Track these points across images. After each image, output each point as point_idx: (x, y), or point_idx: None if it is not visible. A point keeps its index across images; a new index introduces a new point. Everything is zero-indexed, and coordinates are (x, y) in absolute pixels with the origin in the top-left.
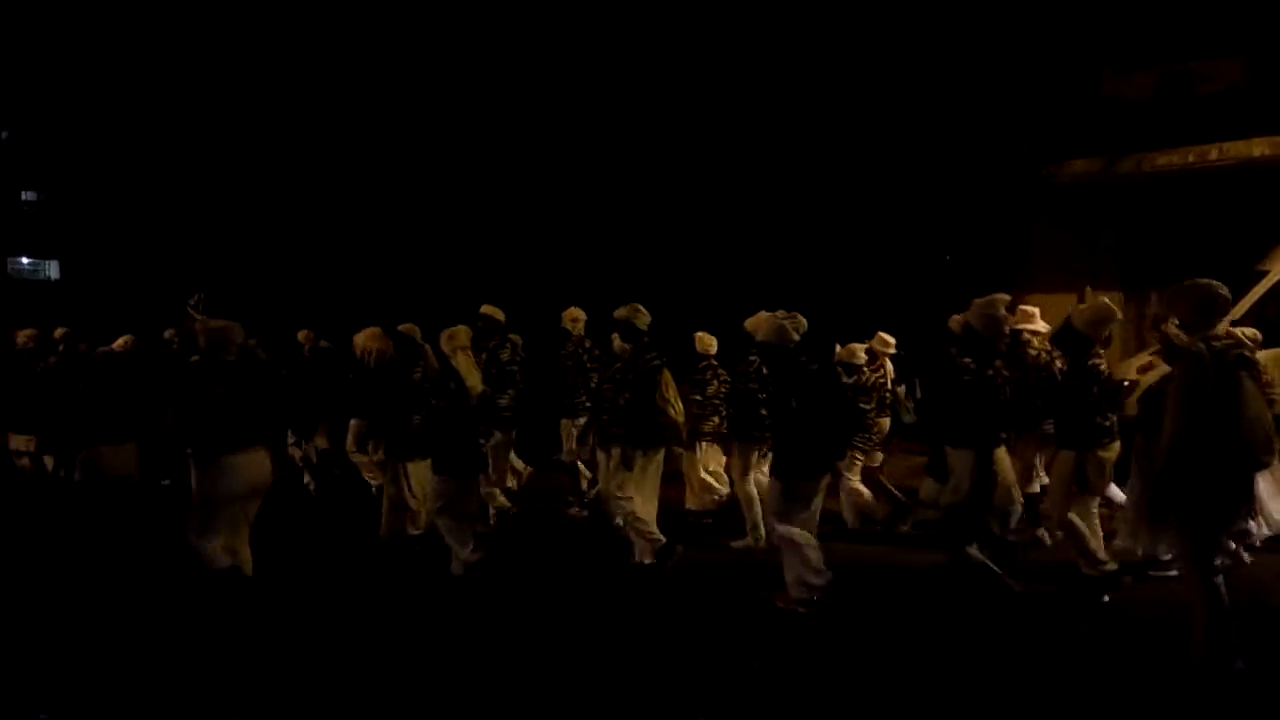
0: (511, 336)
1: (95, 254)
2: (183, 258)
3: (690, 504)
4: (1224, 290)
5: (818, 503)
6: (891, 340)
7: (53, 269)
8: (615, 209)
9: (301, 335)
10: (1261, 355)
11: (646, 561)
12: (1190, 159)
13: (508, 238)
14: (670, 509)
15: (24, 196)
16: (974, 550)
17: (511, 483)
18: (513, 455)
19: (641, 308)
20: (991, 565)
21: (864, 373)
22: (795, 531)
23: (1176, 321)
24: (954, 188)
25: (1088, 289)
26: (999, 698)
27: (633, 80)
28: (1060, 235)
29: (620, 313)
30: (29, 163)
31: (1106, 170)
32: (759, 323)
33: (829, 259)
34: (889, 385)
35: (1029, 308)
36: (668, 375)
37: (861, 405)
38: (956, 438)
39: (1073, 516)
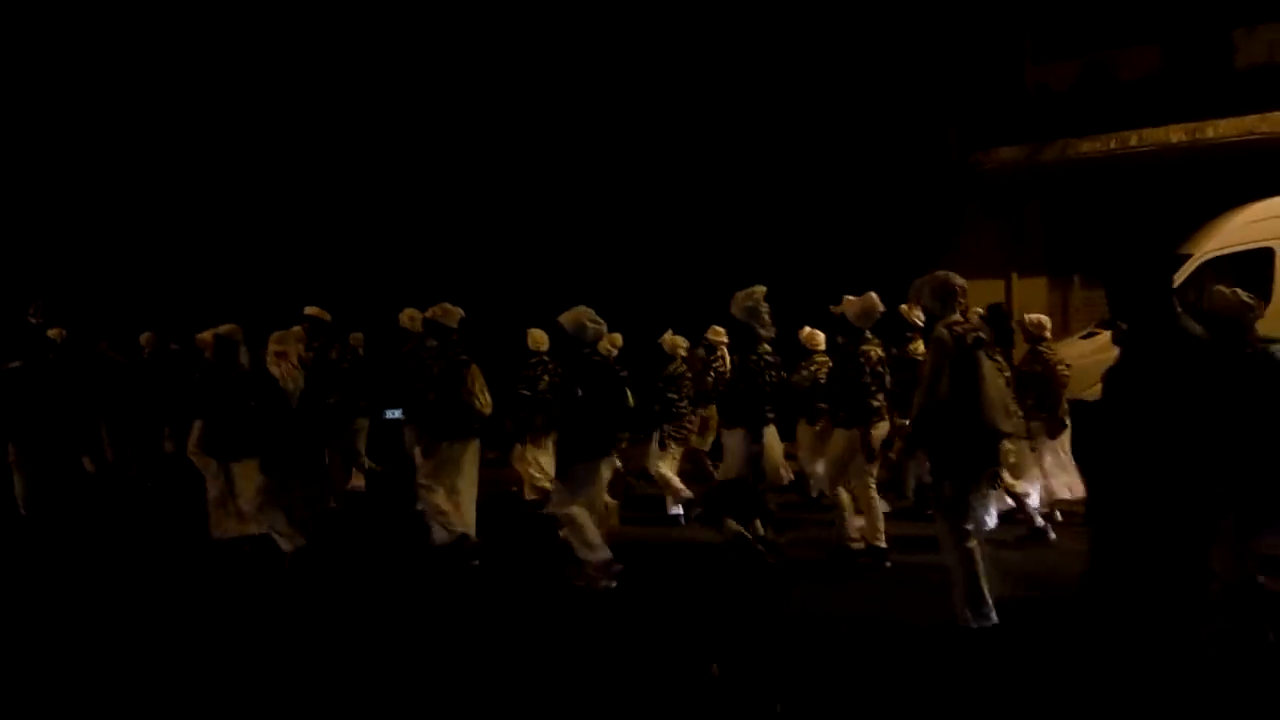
0: (354, 336)
1: (69, 247)
2: (153, 250)
3: (527, 495)
4: (960, 281)
5: (601, 483)
6: (723, 331)
7: None
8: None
9: (144, 338)
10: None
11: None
12: (1112, 145)
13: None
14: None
15: None
16: (733, 523)
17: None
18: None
19: (450, 307)
20: (748, 535)
21: (676, 362)
22: (575, 510)
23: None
24: (883, 176)
25: (1013, 275)
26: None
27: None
28: (988, 222)
29: (430, 312)
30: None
31: (1031, 157)
32: (571, 317)
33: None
34: (727, 375)
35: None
36: (475, 370)
37: (669, 396)
38: (729, 419)
39: (840, 490)
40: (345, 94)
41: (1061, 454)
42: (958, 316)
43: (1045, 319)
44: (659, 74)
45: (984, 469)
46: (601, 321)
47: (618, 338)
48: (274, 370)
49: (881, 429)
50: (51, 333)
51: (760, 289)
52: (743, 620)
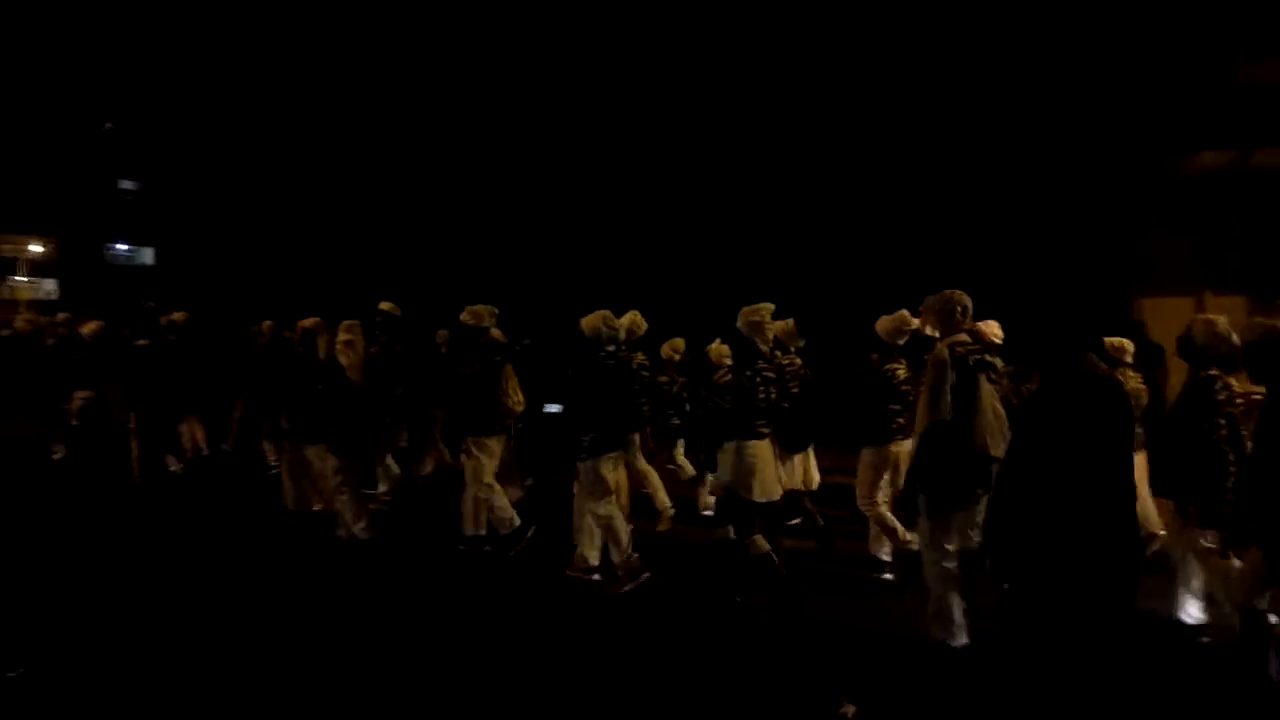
0: (440, 333)
1: (188, 240)
2: (269, 244)
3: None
4: (963, 300)
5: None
6: (681, 344)
7: (148, 255)
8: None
9: (265, 326)
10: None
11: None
12: None
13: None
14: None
15: (123, 185)
16: (730, 531)
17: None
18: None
19: (481, 309)
20: (749, 545)
21: (722, 370)
22: (607, 510)
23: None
24: (1064, 179)
25: (1208, 295)
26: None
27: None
28: (1179, 234)
29: (464, 317)
30: (129, 153)
31: (1238, 163)
32: (588, 321)
33: (931, 251)
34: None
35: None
36: (509, 370)
37: (714, 404)
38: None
39: (876, 504)
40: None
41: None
42: (962, 335)
43: (1128, 343)
44: (798, 72)
45: (972, 491)
46: (618, 327)
47: (679, 343)
48: (341, 359)
49: (905, 446)
50: (176, 316)
51: (768, 306)
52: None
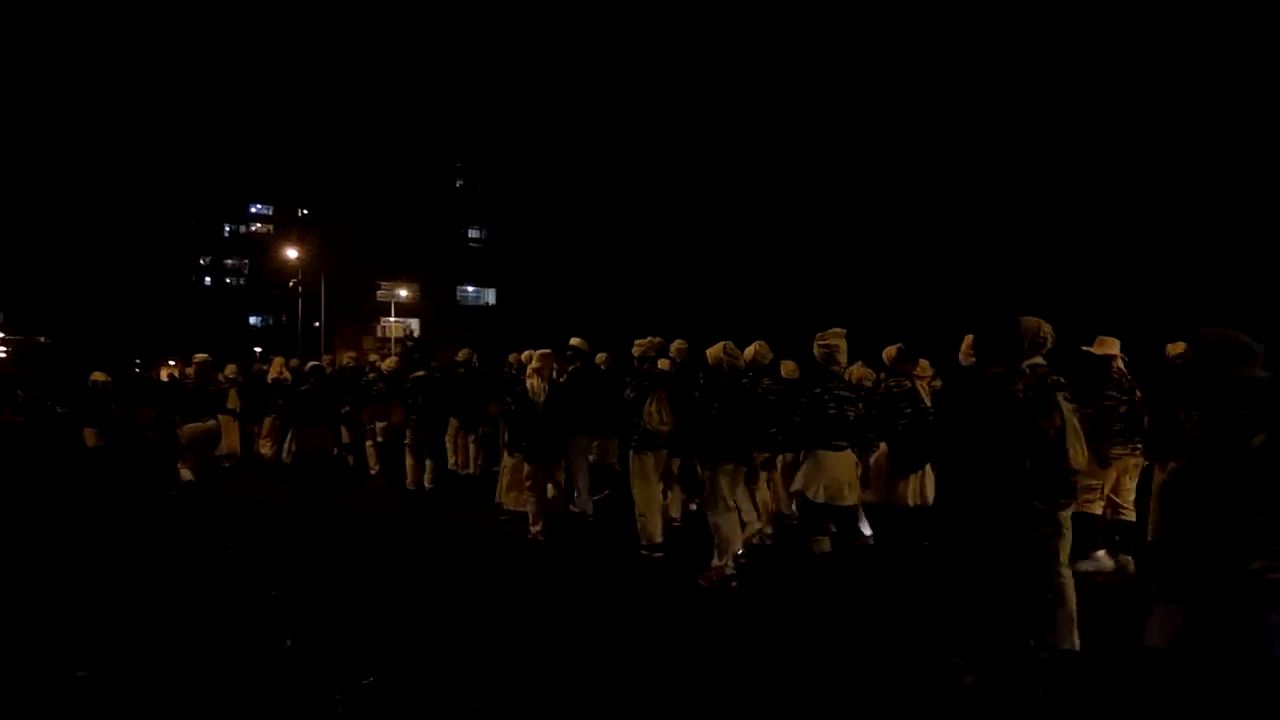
0: (600, 355)
1: (526, 282)
2: (591, 282)
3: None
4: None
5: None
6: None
7: (490, 295)
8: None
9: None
10: None
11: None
12: None
13: None
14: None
15: (470, 234)
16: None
17: None
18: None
19: (643, 341)
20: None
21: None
22: (724, 518)
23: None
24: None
25: None
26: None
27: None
28: None
29: (640, 344)
30: (477, 204)
31: None
32: (712, 351)
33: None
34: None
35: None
36: (660, 393)
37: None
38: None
39: None
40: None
41: None
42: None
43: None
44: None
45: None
46: (739, 355)
47: (792, 365)
48: (529, 382)
49: None
50: (461, 354)
51: (839, 331)
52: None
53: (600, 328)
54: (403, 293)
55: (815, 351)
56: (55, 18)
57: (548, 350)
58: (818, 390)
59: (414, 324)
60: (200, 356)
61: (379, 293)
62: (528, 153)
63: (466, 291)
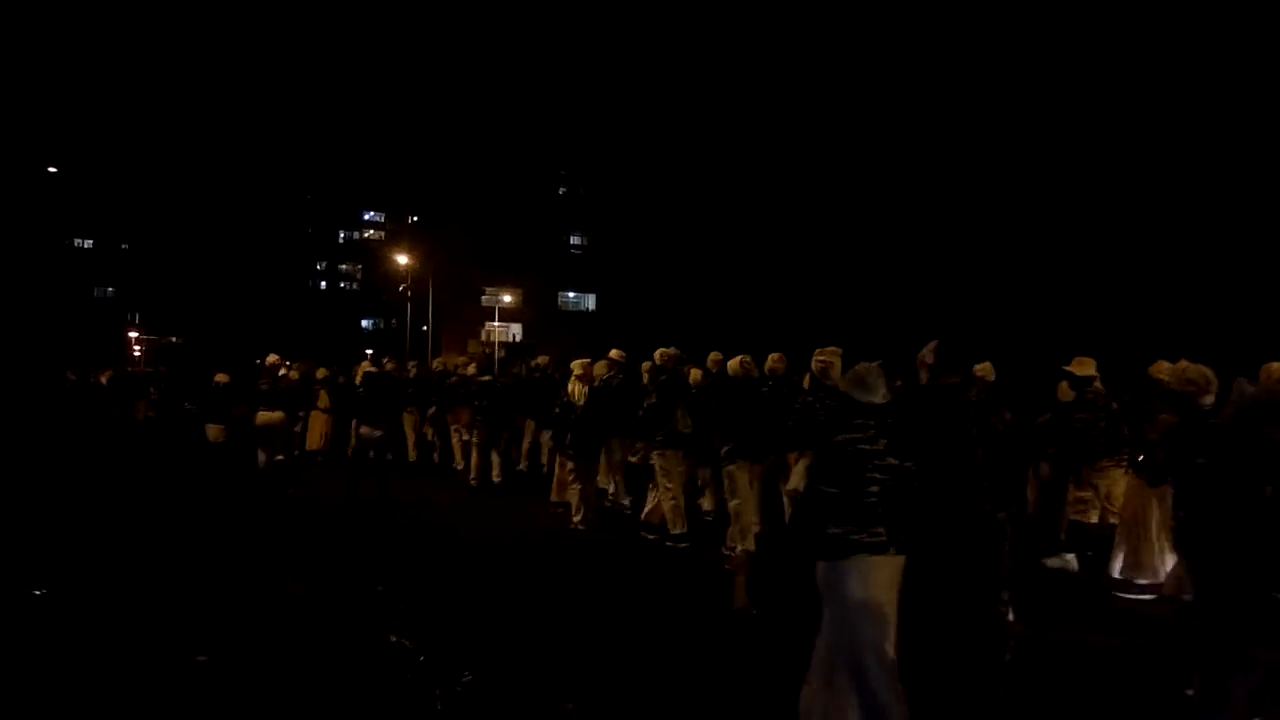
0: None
1: (626, 288)
2: (686, 289)
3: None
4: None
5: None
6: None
7: (590, 301)
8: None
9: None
10: None
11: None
12: None
13: None
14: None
15: (572, 240)
16: None
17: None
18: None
19: (664, 350)
20: None
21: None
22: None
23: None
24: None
25: None
26: None
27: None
28: None
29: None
30: (579, 211)
31: None
32: (731, 364)
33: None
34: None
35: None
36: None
37: None
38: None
39: None
40: None
41: None
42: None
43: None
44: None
45: None
46: (754, 367)
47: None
48: (571, 387)
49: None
50: (540, 359)
51: (835, 350)
52: None
53: (697, 332)
54: (506, 298)
55: (812, 365)
56: (191, 33)
57: (588, 359)
58: (810, 398)
59: (517, 329)
60: (272, 358)
61: (484, 298)
62: (629, 161)
63: (568, 297)
